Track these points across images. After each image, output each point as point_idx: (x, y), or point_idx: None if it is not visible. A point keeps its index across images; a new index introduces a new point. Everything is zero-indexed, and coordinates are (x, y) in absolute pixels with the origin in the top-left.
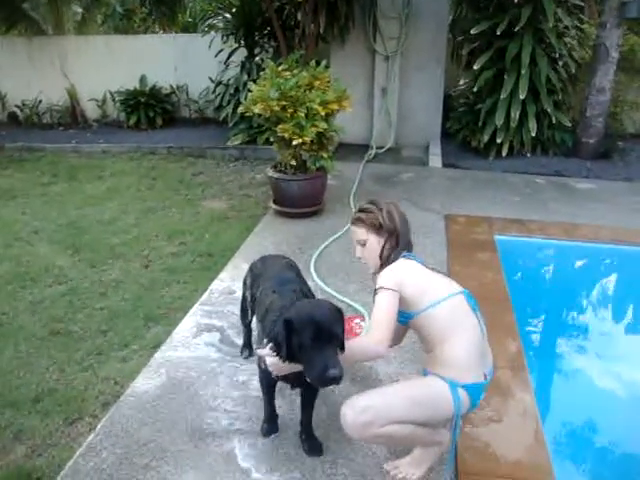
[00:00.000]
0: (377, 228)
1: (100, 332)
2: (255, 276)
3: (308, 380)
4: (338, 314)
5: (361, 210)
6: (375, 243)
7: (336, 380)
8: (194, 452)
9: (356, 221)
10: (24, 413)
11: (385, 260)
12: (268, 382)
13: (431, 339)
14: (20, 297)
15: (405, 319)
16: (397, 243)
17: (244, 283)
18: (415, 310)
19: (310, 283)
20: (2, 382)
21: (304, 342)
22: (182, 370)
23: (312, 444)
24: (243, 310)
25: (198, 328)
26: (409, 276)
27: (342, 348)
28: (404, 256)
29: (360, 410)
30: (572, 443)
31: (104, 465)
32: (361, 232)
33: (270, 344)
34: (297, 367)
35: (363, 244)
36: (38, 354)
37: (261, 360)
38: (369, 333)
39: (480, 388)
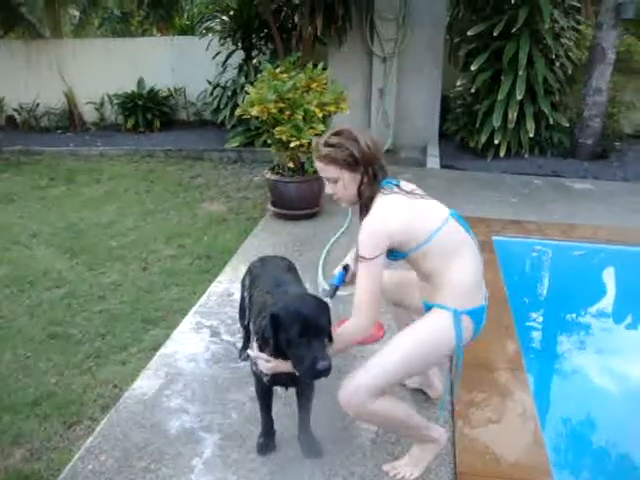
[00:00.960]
0: (352, 165)
1: (99, 335)
2: (253, 277)
3: (298, 374)
4: (324, 307)
5: (329, 145)
6: (350, 180)
7: (326, 372)
8: (193, 455)
9: (323, 158)
10: (23, 417)
11: (364, 198)
12: (262, 387)
13: (430, 271)
14: (19, 300)
15: (399, 257)
16: (375, 175)
17: (242, 284)
18: (408, 249)
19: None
20: (1, 386)
21: (291, 336)
22: (181, 373)
23: (310, 446)
24: (241, 310)
25: (197, 331)
26: (393, 222)
27: (330, 339)
28: (382, 189)
29: (353, 391)
30: (570, 444)
31: (103, 468)
32: (332, 170)
33: (257, 341)
34: (288, 366)
35: (335, 181)
36: (37, 357)
37: (252, 362)
38: (354, 317)
39: (483, 310)
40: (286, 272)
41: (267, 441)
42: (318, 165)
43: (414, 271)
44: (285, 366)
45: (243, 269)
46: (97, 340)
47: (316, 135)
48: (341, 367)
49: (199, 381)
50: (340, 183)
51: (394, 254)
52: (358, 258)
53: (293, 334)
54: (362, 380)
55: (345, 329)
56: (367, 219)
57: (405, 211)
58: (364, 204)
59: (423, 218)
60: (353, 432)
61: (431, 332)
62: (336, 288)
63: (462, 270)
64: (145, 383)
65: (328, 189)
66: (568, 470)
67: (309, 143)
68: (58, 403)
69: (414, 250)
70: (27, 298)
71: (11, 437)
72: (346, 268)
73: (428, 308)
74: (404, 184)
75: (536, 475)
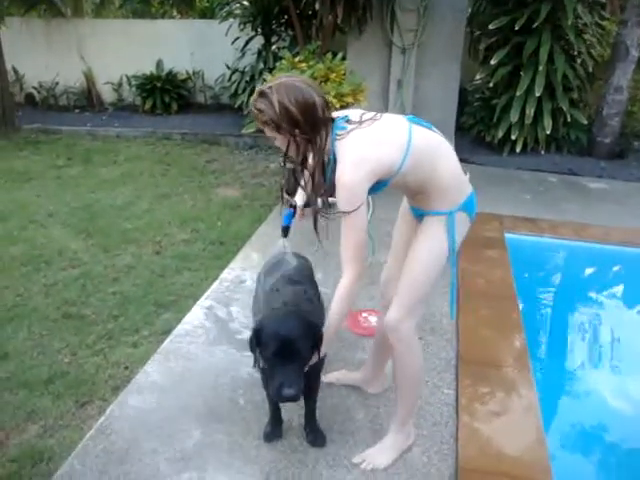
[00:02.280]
0: (277, 127)
1: (111, 317)
2: (267, 273)
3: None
4: (308, 330)
5: (256, 107)
6: (284, 142)
7: (291, 399)
8: (201, 439)
9: (256, 119)
10: (37, 394)
11: (315, 167)
12: (265, 381)
13: (419, 183)
14: (34, 279)
15: (381, 187)
16: (309, 136)
17: (258, 279)
18: (389, 176)
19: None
20: (16, 363)
21: (266, 355)
22: (191, 357)
23: (315, 436)
24: (255, 305)
25: (208, 316)
26: (366, 164)
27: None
28: (337, 135)
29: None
30: (572, 443)
31: (113, 448)
32: (267, 131)
33: None
34: None
35: (275, 139)
36: (51, 336)
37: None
38: (343, 278)
39: (473, 196)
40: (299, 270)
41: (273, 429)
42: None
43: (402, 192)
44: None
45: (255, 256)
46: (110, 322)
47: None
48: (347, 358)
49: (208, 366)
50: (279, 143)
51: (376, 187)
52: (340, 214)
53: (268, 353)
54: (402, 311)
55: (340, 298)
56: (340, 173)
57: (371, 144)
58: (319, 161)
59: (391, 139)
60: (357, 424)
61: (436, 246)
62: (287, 228)
63: (448, 168)
64: (156, 366)
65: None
66: (568, 469)
67: None
68: (71, 382)
69: (395, 174)
70: (43, 277)
71: (25, 413)
72: (294, 206)
73: (420, 215)
74: (353, 114)
75: (536, 473)
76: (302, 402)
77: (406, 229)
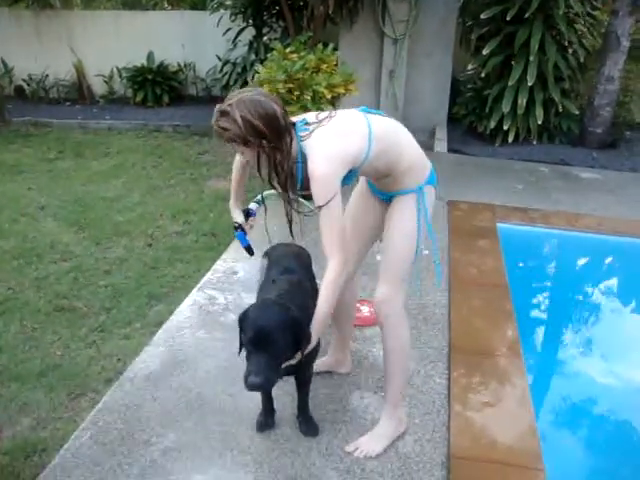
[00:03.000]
0: (244, 142)
1: (104, 309)
2: (267, 264)
3: None
4: (288, 324)
5: (219, 127)
6: (253, 154)
7: (255, 388)
8: (194, 429)
9: (219, 137)
10: (29, 386)
11: (283, 170)
12: None
13: (387, 166)
14: (26, 273)
15: (352, 177)
16: (275, 144)
17: (260, 271)
18: (359, 164)
19: None
20: (8, 356)
21: (244, 342)
22: (184, 349)
23: (308, 425)
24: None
25: (200, 307)
26: (336, 157)
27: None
28: (301, 137)
29: (387, 297)
30: (563, 432)
31: (106, 440)
32: (235, 148)
33: None
34: None
35: (242, 153)
36: (43, 329)
37: None
38: (329, 268)
39: (433, 170)
40: (295, 260)
41: (266, 419)
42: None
43: (370, 178)
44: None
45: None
46: (102, 314)
47: None
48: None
49: (201, 357)
50: (248, 158)
51: (347, 178)
52: (316, 209)
53: (246, 340)
54: (390, 287)
55: (326, 286)
56: (313, 169)
57: (337, 137)
58: (290, 165)
59: (353, 130)
60: (350, 414)
61: (412, 222)
62: (248, 247)
63: (411, 148)
64: (148, 358)
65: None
66: (559, 457)
67: None
68: (63, 375)
69: (363, 161)
70: (34, 270)
71: (18, 406)
72: (238, 227)
73: (389, 198)
74: (309, 117)
75: (527, 461)
76: (295, 392)
77: (367, 210)
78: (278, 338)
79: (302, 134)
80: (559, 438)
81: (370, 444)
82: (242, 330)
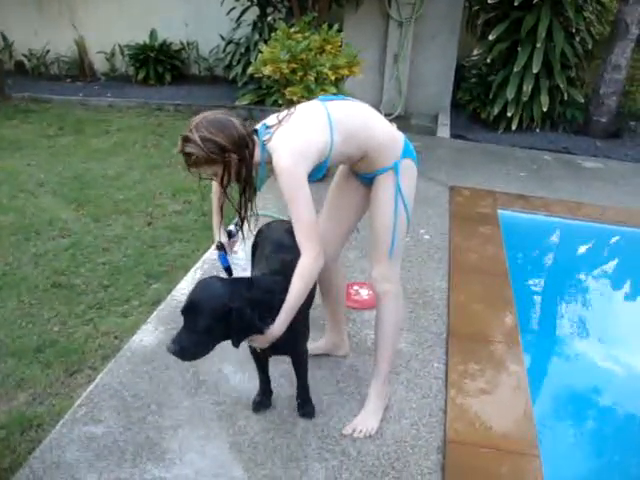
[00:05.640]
0: (211, 162)
1: (102, 287)
2: (260, 241)
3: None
4: (218, 307)
5: (184, 154)
6: (219, 170)
7: (173, 354)
8: (190, 408)
9: (189, 165)
10: (26, 362)
11: (245, 178)
12: (253, 350)
13: (359, 150)
14: (24, 249)
15: (323, 170)
16: (239, 154)
17: (252, 250)
18: (326, 156)
19: None
20: (5, 332)
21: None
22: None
23: (305, 407)
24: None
25: None
26: (301, 153)
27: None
28: (264, 140)
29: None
30: (560, 419)
31: (102, 416)
32: (203, 170)
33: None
34: (261, 338)
35: (215, 174)
36: (40, 306)
37: None
38: (302, 258)
39: (407, 141)
40: (288, 238)
41: (262, 400)
42: (192, 171)
43: (347, 164)
44: (261, 338)
45: (247, 228)
46: (100, 292)
47: None
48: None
49: None
50: (219, 176)
51: (317, 171)
52: (285, 201)
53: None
54: (384, 265)
55: (300, 275)
56: (276, 162)
57: (297, 132)
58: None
59: (312, 123)
60: (346, 396)
61: (394, 198)
62: (228, 267)
63: (380, 127)
64: (146, 336)
65: (216, 182)
66: (555, 444)
67: None
68: (60, 351)
69: (330, 152)
70: (32, 247)
71: (15, 381)
72: (220, 247)
73: (370, 179)
74: (269, 120)
75: (523, 447)
76: (293, 375)
77: (349, 192)
78: (202, 319)
79: (265, 138)
80: (555, 425)
81: (367, 422)
82: None
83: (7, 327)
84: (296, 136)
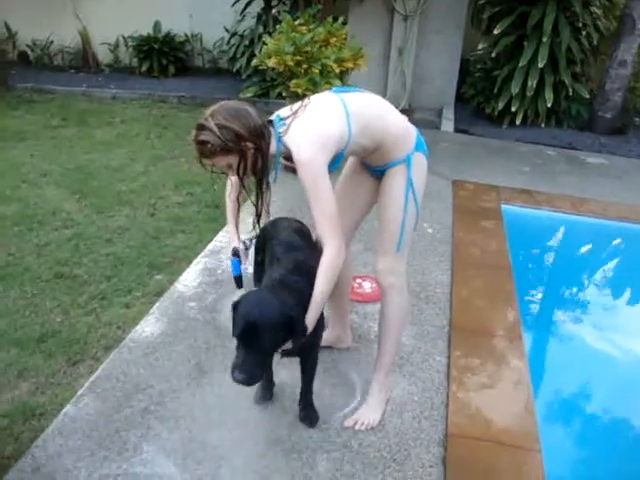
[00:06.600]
0: (226, 151)
1: (104, 277)
2: (266, 240)
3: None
4: (279, 321)
5: (197, 143)
6: (235, 161)
7: (240, 383)
8: (192, 399)
9: (203, 156)
10: (28, 352)
11: (262, 169)
12: None
13: (375, 142)
14: (27, 239)
15: (339, 160)
16: (256, 143)
17: (256, 248)
18: (344, 146)
19: None
20: (7, 321)
21: (233, 332)
22: (183, 319)
23: (308, 413)
24: (256, 274)
25: (201, 278)
26: (317, 142)
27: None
28: (280, 133)
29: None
30: (561, 414)
31: (104, 407)
32: (218, 161)
33: None
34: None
35: (229, 166)
36: (43, 296)
37: None
38: (325, 253)
39: (419, 134)
40: (297, 236)
41: (265, 391)
42: (205, 163)
43: (360, 156)
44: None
45: (251, 220)
46: (102, 282)
47: None
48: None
49: (201, 327)
50: (234, 167)
51: (335, 161)
52: (307, 194)
53: (234, 332)
54: (391, 258)
55: (324, 272)
56: (296, 154)
57: (315, 123)
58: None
59: (329, 113)
60: (349, 388)
61: (405, 192)
62: (239, 277)
63: (394, 118)
64: (148, 327)
65: (231, 175)
66: (557, 439)
67: None
68: (62, 341)
69: (348, 142)
70: (35, 237)
71: (17, 370)
72: (236, 253)
73: (382, 171)
74: (284, 112)
75: (525, 441)
76: (294, 365)
77: (359, 185)
78: (267, 337)
79: (280, 130)
80: (557, 420)
81: (369, 415)
82: (233, 320)
83: (10, 317)
84: (314, 126)
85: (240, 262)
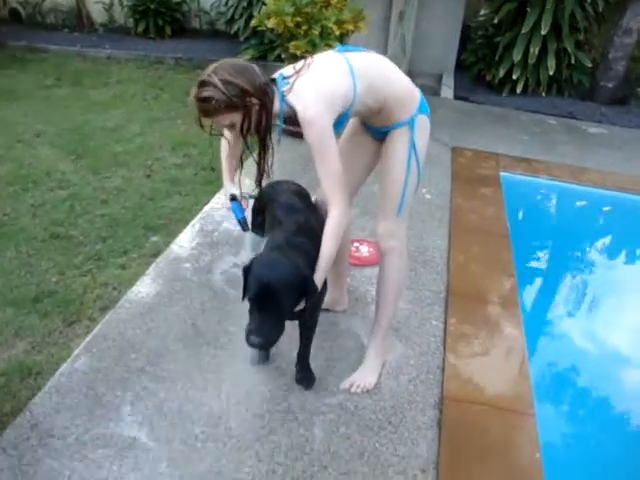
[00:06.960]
0: (230, 108)
1: (100, 238)
2: (265, 203)
3: None
4: (294, 282)
5: (200, 100)
6: (239, 118)
7: (255, 347)
8: (188, 360)
9: (205, 114)
10: (24, 312)
11: (265, 128)
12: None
13: (379, 101)
14: (22, 199)
15: (344, 121)
16: (261, 100)
17: (254, 210)
18: (349, 106)
19: None
20: (3, 281)
21: (248, 296)
22: (179, 280)
23: (304, 375)
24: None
25: (197, 240)
26: (322, 99)
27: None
28: (284, 91)
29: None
30: (556, 379)
31: (99, 365)
32: (220, 119)
33: None
34: None
35: (232, 126)
36: (38, 256)
37: None
38: (331, 212)
39: (422, 96)
40: (297, 198)
41: (261, 353)
42: (205, 121)
43: (363, 117)
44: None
45: (247, 183)
46: (98, 243)
47: None
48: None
49: (196, 289)
50: (238, 127)
51: (339, 121)
52: (313, 154)
53: (249, 294)
54: (392, 221)
55: (330, 232)
56: (302, 113)
57: (320, 81)
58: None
59: (334, 71)
60: (345, 351)
61: (407, 154)
62: (243, 220)
63: (398, 77)
64: (144, 288)
65: (233, 137)
66: (550, 403)
67: None
68: (58, 301)
69: (353, 101)
70: (30, 197)
71: (13, 330)
72: (234, 198)
73: (384, 133)
74: (287, 71)
75: (519, 405)
76: (291, 326)
77: (360, 147)
78: (283, 298)
79: (284, 89)
80: (551, 386)
81: (365, 377)
82: (246, 283)
83: (5, 277)
84: (319, 85)
85: (240, 205)
